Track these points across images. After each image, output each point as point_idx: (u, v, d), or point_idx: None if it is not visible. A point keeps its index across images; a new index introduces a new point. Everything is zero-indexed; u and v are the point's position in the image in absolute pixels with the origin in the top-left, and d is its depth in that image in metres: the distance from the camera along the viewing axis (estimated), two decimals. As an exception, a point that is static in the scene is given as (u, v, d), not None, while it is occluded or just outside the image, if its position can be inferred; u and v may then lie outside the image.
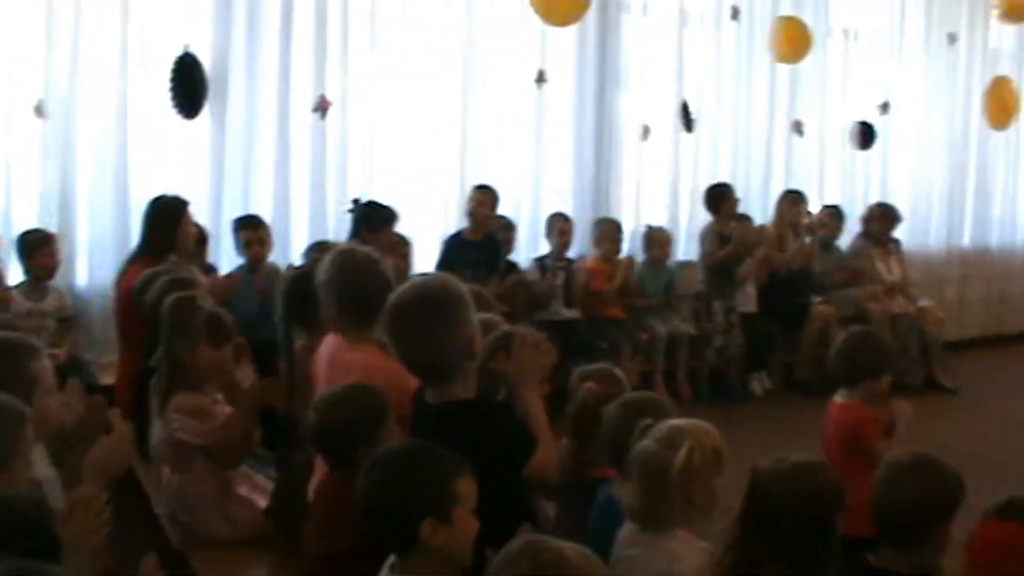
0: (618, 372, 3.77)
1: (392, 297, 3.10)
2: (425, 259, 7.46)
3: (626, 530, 3.00)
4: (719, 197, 8.42)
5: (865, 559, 2.96)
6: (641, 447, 2.94)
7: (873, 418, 4.26)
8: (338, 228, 7.19)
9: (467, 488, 2.56)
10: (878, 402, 4.37)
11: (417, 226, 7.55)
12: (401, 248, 6.95)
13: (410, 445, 2.73)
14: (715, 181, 8.65)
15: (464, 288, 3.11)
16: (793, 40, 8.76)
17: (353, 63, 7.30)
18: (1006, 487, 2.60)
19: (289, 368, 4.37)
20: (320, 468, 3.50)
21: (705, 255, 8.40)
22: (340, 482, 3.10)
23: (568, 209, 8.08)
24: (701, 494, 2.88)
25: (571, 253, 7.98)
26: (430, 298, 3.03)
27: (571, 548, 2.21)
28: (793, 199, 8.77)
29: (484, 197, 7.50)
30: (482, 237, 7.48)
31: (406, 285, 3.13)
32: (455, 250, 7.43)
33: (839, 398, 4.46)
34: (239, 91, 7.00)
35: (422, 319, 3.00)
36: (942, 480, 2.94)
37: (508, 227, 7.78)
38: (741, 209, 8.59)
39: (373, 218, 6.80)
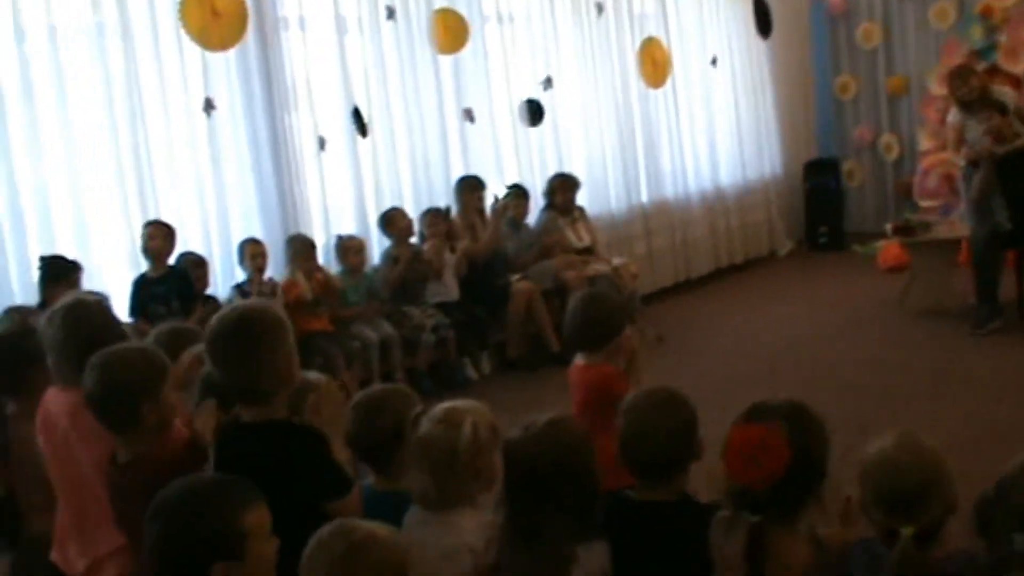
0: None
1: (212, 322, 3.16)
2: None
3: (412, 514, 3.07)
4: (387, 221, 8.51)
5: (627, 496, 3.08)
6: (422, 433, 3.02)
7: (619, 372, 4.26)
8: (24, 291, 6.86)
9: (258, 518, 2.53)
10: (619, 358, 4.36)
11: (111, 276, 7.31)
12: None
13: (190, 485, 2.62)
14: (396, 181, 8.79)
15: (283, 315, 3.20)
16: (451, 31, 9.03)
17: (11, 115, 6.89)
18: (734, 409, 2.80)
19: (3, 441, 4.21)
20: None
21: (382, 278, 8.45)
22: (127, 465, 3.13)
23: (258, 232, 7.98)
24: (485, 468, 2.98)
25: (270, 274, 7.88)
26: (248, 323, 3.09)
27: (379, 526, 2.43)
28: (471, 185, 8.98)
29: (155, 231, 7.30)
30: (166, 272, 7.31)
31: (226, 310, 3.21)
32: (141, 290, 7.26)
33: (581, 360, 4.39)
34: None
35: (241, 343, 3.06)
36: (676, 406, 3.10)
37: (198, 263, 7.60)
38: (428, 203, 8.79)
39: (51, 272, 6.61)
